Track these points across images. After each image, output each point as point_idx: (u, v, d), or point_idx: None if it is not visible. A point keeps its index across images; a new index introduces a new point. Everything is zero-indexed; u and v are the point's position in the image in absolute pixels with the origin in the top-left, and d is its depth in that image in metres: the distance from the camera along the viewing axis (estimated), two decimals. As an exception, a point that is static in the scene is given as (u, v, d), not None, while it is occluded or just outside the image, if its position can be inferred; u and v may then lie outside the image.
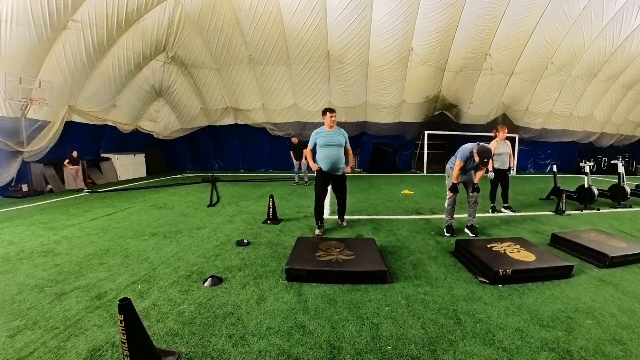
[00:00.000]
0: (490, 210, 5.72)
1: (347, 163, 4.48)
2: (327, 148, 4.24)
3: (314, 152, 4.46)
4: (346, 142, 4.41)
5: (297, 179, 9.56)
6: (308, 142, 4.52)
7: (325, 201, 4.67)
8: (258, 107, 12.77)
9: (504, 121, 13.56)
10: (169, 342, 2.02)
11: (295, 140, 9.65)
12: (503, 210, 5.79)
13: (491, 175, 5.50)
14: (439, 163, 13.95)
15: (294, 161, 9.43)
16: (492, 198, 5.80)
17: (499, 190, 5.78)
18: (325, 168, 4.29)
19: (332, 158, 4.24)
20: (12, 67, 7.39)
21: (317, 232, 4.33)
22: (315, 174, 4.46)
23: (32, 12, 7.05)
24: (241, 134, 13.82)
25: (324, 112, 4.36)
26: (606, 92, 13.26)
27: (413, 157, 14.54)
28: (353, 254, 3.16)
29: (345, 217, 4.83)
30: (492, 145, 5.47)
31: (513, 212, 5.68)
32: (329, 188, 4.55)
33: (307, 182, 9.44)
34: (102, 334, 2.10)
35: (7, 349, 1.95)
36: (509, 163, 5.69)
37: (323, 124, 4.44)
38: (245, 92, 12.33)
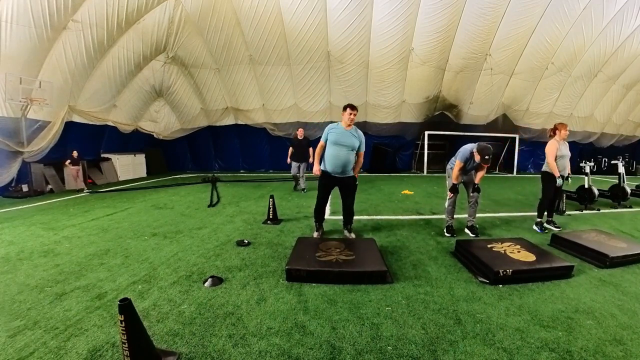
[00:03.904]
0: (537, 227, 4.62)
1: (353, 168, 4.02)
2: (337, 147, 3.83)
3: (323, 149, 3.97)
4: (360, 147, 3.95)
5: (302, 184, 7.95)
6: (313, 139, 4.13)
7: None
8: (258, 107, 12.76)
9: (504, 121, 13.57)
10: (169, 342, 2.02)
11: (300, 132, 7.85)
12: (546, 224, 4.72)
13: (559, 181, 4.44)
14: (439, 163, 13.96)
15: (289, 160, 7.87)
16: (549, 210, 4.74)
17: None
18: (329, 168, 3.90)
19: (339, 159, 3.83)
20: (12, 67, 7.38)
21: (315, 234, 4.24)
22: (319, 177, 4.07)
23: (32, 12, 7.04)
24: (241, 134, 13.81)
25: (344, 108, 3.88)
26: (606, 92, 13.27)
27: (413, 157, 14.53)
28: (353, 254, 3.16)
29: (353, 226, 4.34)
30: (553, 146, 4.47)
31: (557, 227, 4.68)
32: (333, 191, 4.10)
33: (304, 189, 7.89)
34: (102, 334, 2.10)
35: (7, 349, 1.95)
36: (568, 168, 4.70)
37: (330, 123, 4.08)
38: (245, 92, 12.32)
